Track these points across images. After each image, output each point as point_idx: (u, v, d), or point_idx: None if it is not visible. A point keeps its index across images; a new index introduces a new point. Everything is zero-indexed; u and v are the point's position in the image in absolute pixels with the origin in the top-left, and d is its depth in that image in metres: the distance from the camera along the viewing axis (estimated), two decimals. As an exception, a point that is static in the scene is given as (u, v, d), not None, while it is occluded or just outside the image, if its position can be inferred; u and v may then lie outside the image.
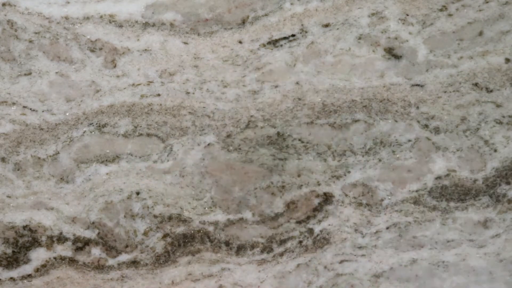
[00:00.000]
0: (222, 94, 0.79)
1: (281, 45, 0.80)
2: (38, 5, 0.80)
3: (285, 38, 0.80)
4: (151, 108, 0.80)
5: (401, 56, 0.81)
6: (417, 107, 0.80)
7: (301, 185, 0.80)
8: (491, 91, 0.81)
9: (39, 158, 0.80)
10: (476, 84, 0.81)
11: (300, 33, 0.80)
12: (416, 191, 0.81)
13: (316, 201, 0.80)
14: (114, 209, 0.80)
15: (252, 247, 0.80)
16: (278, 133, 0.79)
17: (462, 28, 0.81)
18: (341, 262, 0.80)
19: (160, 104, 0.80)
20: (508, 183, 0.81)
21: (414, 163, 0.81)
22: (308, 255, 0.80)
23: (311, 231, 0.80)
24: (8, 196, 0.80)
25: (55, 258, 0.80)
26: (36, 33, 0.80)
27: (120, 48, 0.80)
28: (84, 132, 0.80)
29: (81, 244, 0.80)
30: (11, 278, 0.80)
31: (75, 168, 0.80)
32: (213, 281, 0.80)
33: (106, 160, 0.80)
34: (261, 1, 0.80)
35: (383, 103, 0.80)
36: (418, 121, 0.80)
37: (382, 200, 0.80)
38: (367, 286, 0.80)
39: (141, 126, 0.80)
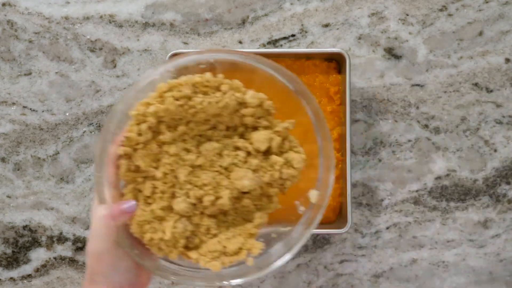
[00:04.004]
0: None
1: (281, 45, 0.80)
2: (38, 5, 0.80)
3: (285, 38, 0.80)
4: (151, 108, 0.80)
5: (401, 56, 0.81)
6: (417, 107, 0.80)
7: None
8: (491, 91, 0.81)
9: (39, 158, 0.80)
10: (476, 84, 0.81)
11: (300, 33, 0.80)
12: (416, 191, 0.81)
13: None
14: (114, 209, 0.80)
15: (252, 247, 0.80)
16: None
17: (462, 28, 0.81)
18: (341, 262, 0.80)
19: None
20: (508, 183, 0.81)
21: (414, 163, 0.81)
22: (308, 255, 0.80)
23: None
24: (8, 196, 0.80)
25: (55, 258, 0.80)
26: (36, 33, 0.80)
27: (120, 48, 0.80)
28: (84, 132, 0.80)
29: (81, 244, 0.80)
30: (11, 278, 0.80)
31: (75, 168, 0.80)
32: (213, 281, 0.80)
33: (106, 160, 0.80)
34: (261, 1, 0.80)
35: (383, 103, 0.80)
36: (418, 121, 0.80)
37: (382, 200, 0.80)
38: (367, 286, 0.81)
39: (141, 126, 0.80)
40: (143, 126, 0.51)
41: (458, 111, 0.81)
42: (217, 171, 0.54)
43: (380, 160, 0.80)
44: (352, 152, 0.80)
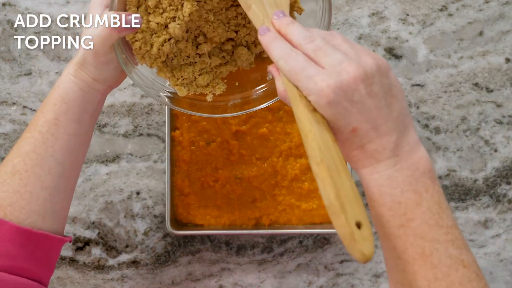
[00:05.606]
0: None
1: (281, 45, 0.80)
2: (38, 5, 0.80)
3: (285, 38, 0.80)
4: (151, 108, 0.80)
5: (401, 56, 0.81)
6: (417, 107, 0.80)
7: (301, 185, 0.80)
8: (491, 91, 0.81)
9: (39, 158, 0.80)
10: (476, 84, 0.81)
11: (300, 33, 0.80)
12: (416, 191, 0.81)
13: (316, 201, 0.80)
14: (114, 209, 0.80)
15: (252, 247, 0.80)
16: None
17: (462, 28, 0.81)
18: (341, 262, 0.80)
19: (161, 104, 0.80)
20: (508, 183, 0.81)
21: (414, 163, 0.81)
22: (308, 255, 0.80)
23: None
24: (8, 196, 0.80)
25: (55, 258, 0.80)
26: (36, 33, 0.80)
27: (120, 48, 0.80)
28: (84, 132, 0.80)
29: (81, 244, 0.80)
30: (11, 278, 0.80)
31: (75, 168, 0.80)
32: (213, 281, 0.80)
33: (106, 160, 0.80)
34: (261, 1, 0.80)
35: (383, 103, 0.80)
36: (418, 121, 0.80)
37: (382, 200, 0.80)
38: (367, 286, 0.81)
39: (141, 126, 0.80)
40: None
41: (458, 111, 0.81)
42: (220, 20, 0.58)
43: (380, 160, 0.80)
44: (352, 152, 0.80)
